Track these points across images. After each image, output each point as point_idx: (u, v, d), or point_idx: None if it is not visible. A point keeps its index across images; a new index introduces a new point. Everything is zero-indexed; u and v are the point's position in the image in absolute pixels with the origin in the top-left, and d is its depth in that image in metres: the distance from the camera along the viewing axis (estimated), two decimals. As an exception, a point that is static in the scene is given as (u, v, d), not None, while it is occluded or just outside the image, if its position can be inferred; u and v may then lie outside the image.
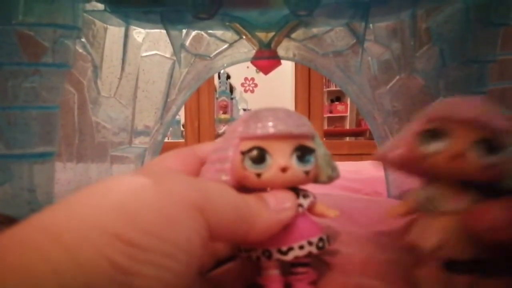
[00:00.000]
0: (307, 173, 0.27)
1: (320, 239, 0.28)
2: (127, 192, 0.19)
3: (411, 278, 0.28)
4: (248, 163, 0.27)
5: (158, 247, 0.18)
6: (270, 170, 0.26)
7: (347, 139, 2.76)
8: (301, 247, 0.27)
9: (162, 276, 0.18)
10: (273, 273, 0.27)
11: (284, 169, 0.26)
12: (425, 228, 0.26)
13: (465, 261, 0.25)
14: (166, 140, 0.60)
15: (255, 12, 0.51)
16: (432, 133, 0.26)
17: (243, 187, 0.27)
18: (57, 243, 0.16)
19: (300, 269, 0.28)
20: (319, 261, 0.32)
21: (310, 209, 0.29)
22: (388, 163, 0.30)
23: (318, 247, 0.27)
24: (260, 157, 0.26)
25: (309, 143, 0.28)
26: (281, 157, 0.26)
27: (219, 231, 0.21)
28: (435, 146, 0.26)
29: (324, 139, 2.39)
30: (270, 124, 0.27)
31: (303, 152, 0.27)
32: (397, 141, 0.29)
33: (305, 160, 0.27)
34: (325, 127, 2.70)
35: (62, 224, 0.17)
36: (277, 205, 0.26)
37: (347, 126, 3.11)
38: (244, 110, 2.99)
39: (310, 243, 0.27)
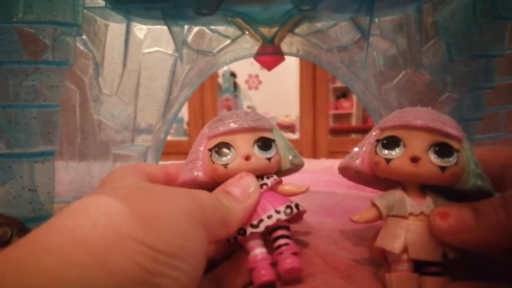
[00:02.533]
0: (269, 159, 0.31)
1: (287, 206, 0.30)
2: (147, 208, 0.21)
3: (381, 283, 0.29)
4: (215, 156, 0.31)
5: (175, 253, 0.20)
6: (235, 160, 0.30)
7: (353, 136, 2.75)
8: (269, 217, 0.29)
9: (180, 277, 0.20)
10: (259, 252, 0.29)
11: (247, 157, 0.30)
12: (392, 231, 0.27)
13: (434, 262, 0.26)
14: (169, 138, 0.59)
15: (257, 7, 0.51)
16: (388, 141, 0.28)
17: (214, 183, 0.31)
18: (83, 248, 0.17)
19: (282, 241, 0.30)
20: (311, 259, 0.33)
21: (277, 189, 0.32)
22: (352, 172, 0.32)
23: (286, 213, 0.30)
24: (225, 150, 0.31)
25: (268, 135, 0.32)
26: (244, 148, 0.31)
27: (210, 239, 0.24)
28: (393, 152, 0.28)
29: (330, 136, 2.38)
30: (231, 121, 0.31)
31: (263, 142, 0.31)
32: (356, 152, 0.31)
33: (266, 148, 0.31)
34: (331, 124, 2.69)
35: (88, 229, 0.18)
36: (243, 194, 0.29)
37: (353, 123, 3.09)
38: (249, 107, 2.99)
39: (277, 212, 0.30)
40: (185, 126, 2.61)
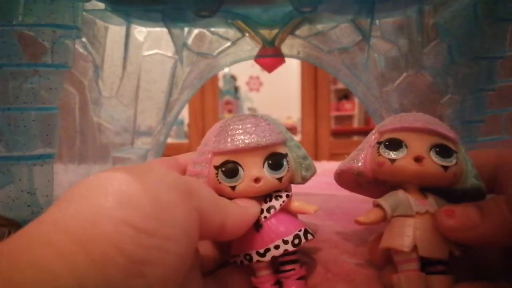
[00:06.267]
0: (280, 179, 0.29)
1: (296, 236, 0.28)
2: (125, 184, 0.20)
3: (384, 285, 0.29)
4: (222, 177, 0.28)
5: (160, 230, 0.19)
6: (244, 182, 0.28)
7: (355, 138, 2.74)
8: (277, 247, 0.28)
9: (168, 261, 0.19)
10: (264, 274, 0.29)
11: (256, 180, 0.28)
12: (399, 230, 0.27)
13: (441, 260, 0.27)
14: (169, 140, 0.59)
15: (258, 9, 0.51)
16: (390, 143, 0.28)
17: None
18: (67, 236, 0.17)
19: (288, 267, 0.29)
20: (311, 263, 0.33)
21: (287, 207, 0.30)
22: (352, 176, 0.31)
23: (293, 244, 0.28)
24: (233, 171, 0.28)
25: (280, 149, 0.30)
26: (253, 168, 0.28)
27: (203, 216, 0.23)
28: (397, 153, 0.28)
29: (331, 138, 2.38)
30: (239, 138, 0.28)
31: (274, 160, 0.29)
32: (357, 154, 0.31)
33: (277, 167, 0.29)
34: (332, 126, 2.68)
35: (70, 216, 0.18)
36: (245, 205, 0.28)
37: (355, 125, 3.09)
38: (249, 109, 2.99)
39: (285, 242, 0.28)
40: (186, 128, 2.61)
